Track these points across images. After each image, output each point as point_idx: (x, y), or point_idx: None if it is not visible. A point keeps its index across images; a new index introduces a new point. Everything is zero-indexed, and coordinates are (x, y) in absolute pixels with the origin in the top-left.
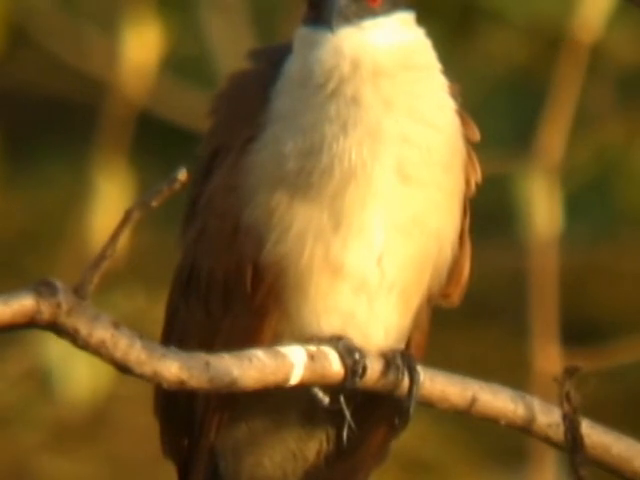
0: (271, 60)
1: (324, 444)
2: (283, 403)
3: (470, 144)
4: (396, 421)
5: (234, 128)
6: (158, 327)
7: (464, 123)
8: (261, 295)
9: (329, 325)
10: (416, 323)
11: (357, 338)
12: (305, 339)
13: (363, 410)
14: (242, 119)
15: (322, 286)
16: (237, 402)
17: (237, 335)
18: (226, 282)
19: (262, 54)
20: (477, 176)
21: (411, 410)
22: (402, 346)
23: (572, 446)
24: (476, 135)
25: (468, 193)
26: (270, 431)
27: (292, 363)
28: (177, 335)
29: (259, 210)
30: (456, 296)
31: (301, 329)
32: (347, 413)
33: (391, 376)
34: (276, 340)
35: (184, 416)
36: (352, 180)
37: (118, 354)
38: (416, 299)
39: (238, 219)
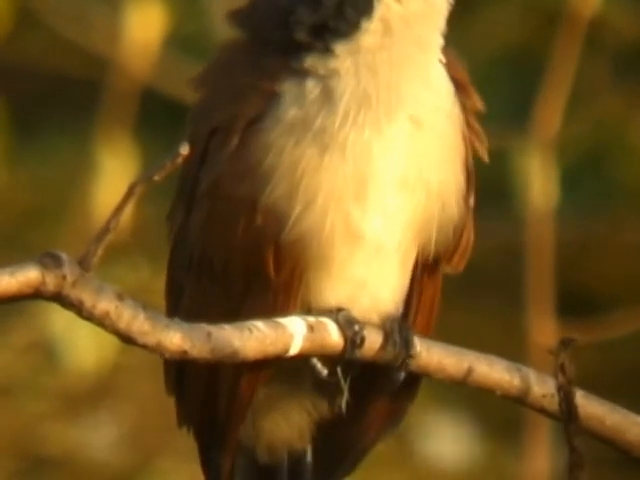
0: (257, 27)
1: (337, 401)
2: (298, 369)
3: (472, 112)
4: (388, 388)
5: (231, 105)
6: (161, 299)
7: (467, 90)
8: (285, 274)
9: (343, 293)
10: (418, 295)
11: (366, 303)
12: (319, 309)
13: (364, 379)
14: (238, 96)
15: (342, 256)
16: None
17: (262, 313)
18: (246, 265)
19: (246, 19)
20: (484, 139)
21: (399, 381)
22: (401, 308)
23: (566, 416)
24: (478, 103)
25: (468, 158)
26: (287, 395)
27: (291, 334)
28: (185, 318)
29: (280, 189)
30: (458, 260)
31: (317, 300)
32: (344, 385)
33: (389, 349)
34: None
35: (206, 389)
36: (375, 137)
37: (122, 325)
38: (413, 257)
39: (255, 202)
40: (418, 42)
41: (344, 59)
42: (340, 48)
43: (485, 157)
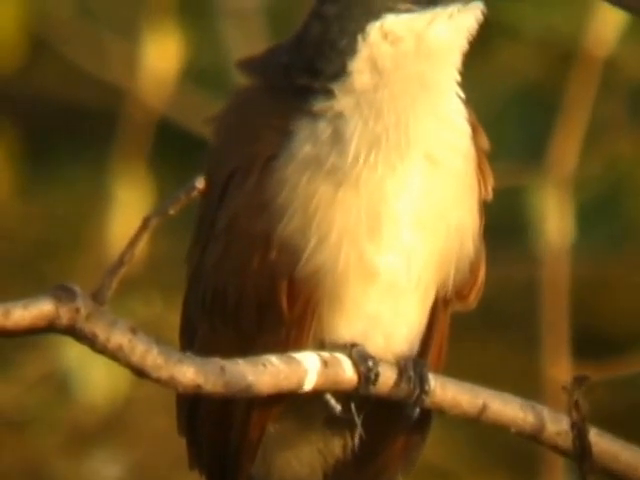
0: (267, 73)
1: (349, 440)
2: (309, 406)
3: (482, 152)
4: (402, 424)
5: (247, 147)
6: (175, 333)
7: (475, 130)
8: (298, 309)
9: (356, 329)
10: (434, 332)
11: (380, 339)
12: (333, 345)
13: (379, 416)
14: (254, 136)
15: (356, 292)
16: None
17: (275, 349)
18: (259, 301)
19: (256, 67)
20: (490, 180)
21: (413, 417)
22: (416, 346)
23: (580, 454)
24: (485, 142)
25: (480, 196)
26: (298, 433)
27: (306, 369)
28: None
29: (294, 223)
30: (472, 298)
31: (331, 335)
32: (358, 421)
33: (403, 386)
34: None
35: (218, 426)
36: (389, 175)
37: (135, 359)
38: (433, 294)
39: (270, 237)
40: (421, 80)
41: (345, 100)
42: (337, 89)
43: (490, 197)
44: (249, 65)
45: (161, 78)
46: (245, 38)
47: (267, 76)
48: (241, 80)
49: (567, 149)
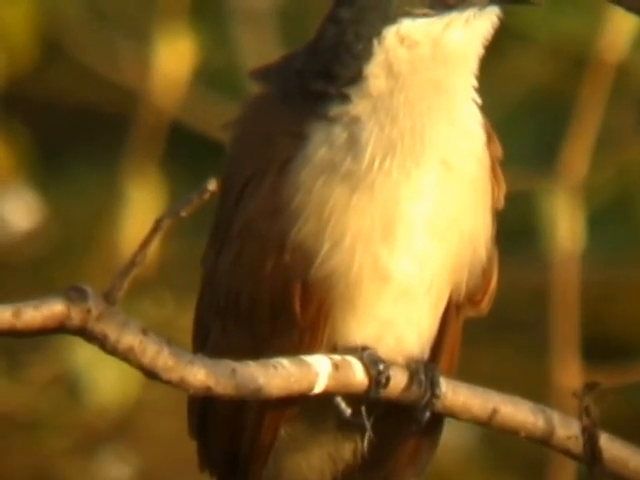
0: (282, 81)
1: (359, 444)
2: (321, 409)
3: (495, 160)
4: (413, 428)
5: (263, 153)
6: (186, 334)
7: (489, 138)
8: (311, 312)
9: (369, 333)
10: (446, 337)
11: (391, 343)
12: (345, 348)
13: (389, 420)
14: (269, 142)
15: (369, 296)
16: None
17: (288, 352)
18: (272, 304)
19: (270, 75)
20: (503, 188)
21: (423, 421)
22: (427, 351)
23: (591, 459)
24: (499, 150)
25: (494, 204)
26: (308, 436)
27: (317, 372)
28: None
29: (308, 226)
30: (485, 303)
31: (343, 338)
32: (367, 425)
33: (414, 389)
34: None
35: (230, 429)
36: (404, 181)
37: (146, 360)
38: (445, 300)
39: (284, 240)
40: (436, 85)
41: (361, 105)
42: (353, 94)
43: (501, 204)
44: (263, 73)
45: (173, 80)
46: (258, 40)
47: (281, 83)
48: (254, 86)
49: (578, 155)
